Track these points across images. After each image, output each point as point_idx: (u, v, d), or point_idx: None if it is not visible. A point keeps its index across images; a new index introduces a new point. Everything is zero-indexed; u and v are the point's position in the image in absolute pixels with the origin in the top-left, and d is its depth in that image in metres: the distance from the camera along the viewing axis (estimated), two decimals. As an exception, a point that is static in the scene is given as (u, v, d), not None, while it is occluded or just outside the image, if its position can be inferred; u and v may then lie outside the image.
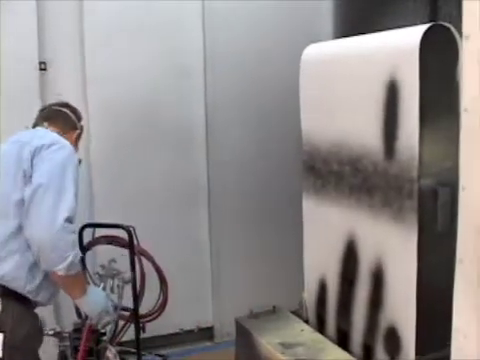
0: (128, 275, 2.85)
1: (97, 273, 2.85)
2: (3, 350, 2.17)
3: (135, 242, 2.96)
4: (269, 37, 3.89)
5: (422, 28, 2.20)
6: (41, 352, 2.43)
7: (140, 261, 2.98)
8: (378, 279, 2.50)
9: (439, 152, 2.27)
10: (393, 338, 2.43)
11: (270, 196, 3.97)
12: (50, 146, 2.33)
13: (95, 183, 3.61)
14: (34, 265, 2.27)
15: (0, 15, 3.24)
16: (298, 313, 3.06)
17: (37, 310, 2.40)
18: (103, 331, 2.71)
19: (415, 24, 2.31)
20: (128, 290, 2.88)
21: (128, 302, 2.92)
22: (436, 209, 2.27)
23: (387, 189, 2.41)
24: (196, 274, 3.92)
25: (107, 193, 3.64)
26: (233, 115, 3.90)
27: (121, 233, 2.97)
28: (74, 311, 2.76)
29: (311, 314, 3.04)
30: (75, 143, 2.61)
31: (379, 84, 2.40)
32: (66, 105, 2.71)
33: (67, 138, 2.52)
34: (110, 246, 3.05)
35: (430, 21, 2.28)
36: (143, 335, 3.05)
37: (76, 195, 2.30)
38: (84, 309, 2.52)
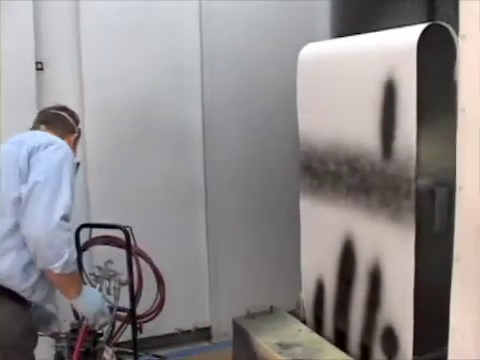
0: (125, 277, 2.84)
1: (93, 274, 2.84)
2: None
3: (132, 242, 2.95)
4: (266, 37, 3.88)
5: (419, 28, 2.20)
6: (37, 353, 2.42)
7: (137, 261, 2.98)
8: (375, 279, 2.50)
9: (436, 152, 2.27)
10: (390, 338, 2.43)
11: (267, 196, 3.97)
12: (47, 146, 2.35)
13: (92, 183, 3.60)
14: (29, 263, 2.27)
15: (-2, 15, 3.24)
16: (295, 313, 3.06)
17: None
18: (100, 332, 2.70)
19: (412, 24, 2.30)
20: (125, 290, 2.87)
21: (125, 302, 2.91)
22: (433, 209, 2.28)
23: (385, 189, 2.41)
24: (193, 274, 3.91)
25: (103, 193, 3.63)
26: (230, 115, 3.90)
27: (118, 233, 2.96)
28: (71, 312, 2.75)
29: (308, 314, 3.04)
30: (73, 146, 2.62)
31: (376, 84, 2.40)
32: (64, 109, 2.72)
33: (65, 141, 2.52)
34: (107, 247, 3.04)
35: (428, 21, 2.28)
36: (140, 336, 3.04)
37: (72, 194, 2.31)
38: (80, 310, 2.51)
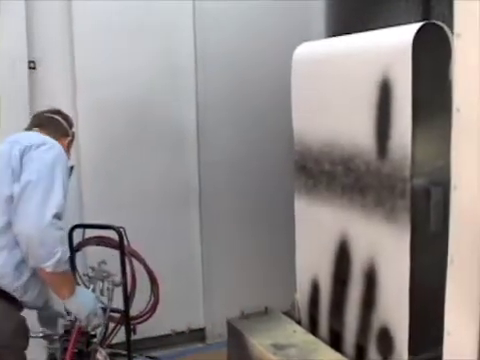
0: (118, 278, 2.83)
1: (87, 275, 2.82)
2: None
3: (125, 243, 2.93)
4: (260, 37, 3.88)
5: (415, 27, 2.20)
6: (30, 354, 2.41)
7: (131, 262, 2.96)
8: (371, 279, 2.50)
9: (432, 151, 2.27)
10: (386, 338, 2.43)
11: (261, 196, 3.96)
12: (40, 146, 2.36)
13: (85, 183, 3.58)
14: (21, 262, 2.28)
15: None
16: (290, 314, 3.06)
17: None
18: (93, 333, 2.69)
19: (408, 23, 2.30)
20: (118, 291, 2.86)
21: (119, 303, 2.89)
22: (429, 209, 2.27)
23: (380, 189, 2.41)
24: (187, 275, 3.90)
25: (97, 194, 3.62)
26: (224, 115, 3.89)
27: (111, 234, 2.95)
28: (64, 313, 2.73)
29: (303, 315, 3.03)
30: (67, 149, 2.63)
31: (371, 83, 2.39)
32: (58, 112, 2.73)
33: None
34: (100, 247, 3.02)
35: (423, 20, 2.27)
36: (134, 337, 3.02)
37: (65, 193, 2.32)
38: (72, 310, 2.50)
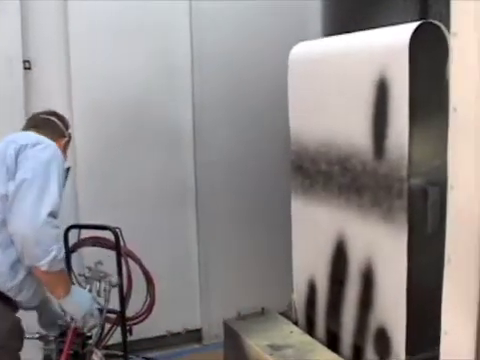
0: (115, 278, 2.82)
1: (83, 275, 2.81)
2: None
3: (122, 243, 2.92)
4: (257, 37, 3.88)
5: (412, 26, 2.19)
6: (24, 355, 2.40)
7: (127, 263, 2.95)
8: (368, 280, 2.49)
9: (429, 151, 2.26)
10: (383, 339, 2.42)
11: (258, 196, 3.95)
12: (35, 145, 2.36)
13: (81, 184, 3.57)
14: (17, 262, 2.27)
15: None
16: (287, 315, 3.04)
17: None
18: (89, 334, 2.67)
19: (405, 23, 2.29)
20: (114, 292, 2.84)
21: (115, 304, 2.88)
22: (426, 209, 2.26)
23: (376, 189, 2.40)
24: (184, 275, 3.89)
25: (93, 194, 3.61)
26: (221, 115, 3.88)
27: (107, 235, 2.93)
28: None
29: (300, 315, 3.02)
30: (64, 150, 2.63)
31: (368, 83, 2.38)
32: (54, 113, 2.73)
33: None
34: (96, 248, 3.01)
35: (420, 20, 2.27)
36: (130, 338, 3.02)
37: (60, 192, 2.31)
38: (68, 310, 2.49)
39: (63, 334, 2.62)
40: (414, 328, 2.29)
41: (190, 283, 3.92)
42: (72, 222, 3.16)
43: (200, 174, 3.87)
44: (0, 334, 2.23)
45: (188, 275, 3.91)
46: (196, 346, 3.95)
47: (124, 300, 2.91)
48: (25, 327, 2.42)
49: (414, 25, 2.19)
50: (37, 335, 2.63)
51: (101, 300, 2.74)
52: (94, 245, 3.02)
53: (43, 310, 2.60)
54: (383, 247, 2.39)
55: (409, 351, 2.30)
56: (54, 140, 2.55)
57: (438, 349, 1.67)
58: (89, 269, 2.80)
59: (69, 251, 2.94)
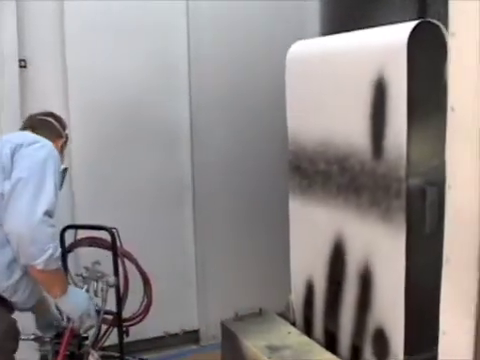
0: (113, 279, 2.80)
1: (81, 275, 2.79)
2: None
3: (118, 244, 2.90)
4: (255, 37, 3.87)
5: (410, 25, 2.18)
6: (21, 355, 2.39)
7: (123, 263, 2.93)
8: (366, 280, 2.48)
9: (427, 151, 2.25)
10: (381, 339, 2.41)
11: (256, 197, 3.94)
12: (31, 144, 2.36)
13: (77, 184, 3.56)
14: (13, 261, 2.26)
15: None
16: (285, 315, 3.04)
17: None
18: (85, 335, 2.66)
19: (403, 22, 2.29)
20: (111, 292, 2.83)
21: (111, 305, 2.86)
22: (424, 208, 2.26)
23: (375, 189, 2.39)
24: (181, 276, 3.88)
25: (89, 194, 3.59)
26: (218, 115, 3.87)
27: (104, 235, 2.92)
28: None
29: (298, 316, 3.01)
30: (61, 151, 2.63)
31: (366, 82, 2.37)
32: (51, 114, 2.73)
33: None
34: (92, 248, 2.99)
35: (418, 19, 2.26)
36: (127, 339, 3.00)
37: (56, 191, 2.31)
38: (65, 310, 2.48)
39: (59, 335, 2.61)
40: (412, 328, 2.28)
41: (187, 284, 3.91)
42: (68, 222, 3.14)
43: (197, 174, 3.86)
44: None
45: (185, 276, 3.90)
46: (193, 347, 3.93)
47: (121, 301, 2.89)
48: (21, 328, 2.41)
49: (412, 24, 2.18)
50: (32, 336, 2.63)
51: (98, 300, 2.73)
52: (90, 245, 3.00)
53: (39, 311, 2.59)
54: (381, 247, 2.38)
55: (407, 351, 2.29)
56: (51, 141, 2.54)
57: (437, 349, 1.66)
58: (86, 269, 2.78)
59: (65, 251, 2.92)
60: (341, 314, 2.65)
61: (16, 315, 2.41)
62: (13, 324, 2.35)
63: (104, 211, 3.48)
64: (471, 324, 1.48)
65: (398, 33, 2.23)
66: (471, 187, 1.49)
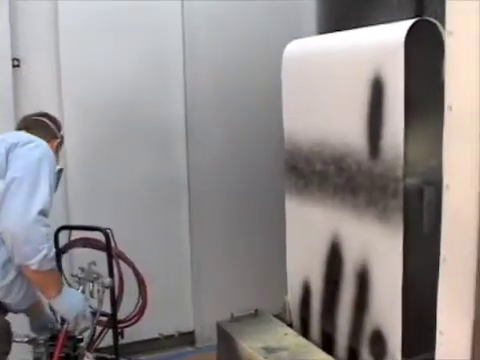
0: (108, 280, 2.79)
1: (76, 276, 2.77)
2: None
3: (113, 245, 2.89)
4: (250, 36, 3.87)
5: (407, 24, 2.17)
6: (15, 357, 2.39)
7: (118, 264, 2.92)
8: (363, 281, 2.47)
9: (424, 151, 2.24)
10: (379, 341, 2.40)
11: (251, 196, 3.94)
12: (26, 144, 2.36)
13: (71, 184, 3.54)
14: (7, 261, 2.25)
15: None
16: (281, 316, 3.02)
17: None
18: (80, 337, 2.64)
19: (400, 21, 2.27)
20: (106, 294, 2.81)
21: (106, 307, 2.85)
22: (422, 209, 2.25)
23: (372, 189, 2.38)
24: (176, 277, 3.87)
25: (83, 195, 3.58)
26: (214, 115, 3.87)
27: (98, 236, 2.90)
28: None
29: (295, 317, 3.00)
30: (56, 152, 2.63)
31: (363, 81, 2.36)
32: (45, 115, 2.73)
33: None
34: (87, 249, 2.97)
35: (415, 17, 2.25)
36: (122, 341, 2.99)
37: (51, 191, 2.31)
38: (60, 311, 2.48)
39: (53, 337, 2.59)
40: (410, 329, 2.27)
41: (183, 285, 3.90)
42: (63, 223, 3.13)
43: (193, 174, 3.85)
44: None
45: (181, 277, 3.88)
46: (189, 349, 3.92)
47: (115, 302, 2.88)
48: (14, 330, 2.39)
49: (409, 23, 2.17)
50: (26, 338, 2.61)
51: (94, 302, 2.71)
52: (85, 246, 2.98)
53: (34, 313, 2.58)
54: (378, 247, 2.37)
55: (405, 353, 2.28)
56: (46, 141, 2.54)
57: (434, 351, 1.65)
58: (82, 270, 2.76)
59: (60, 252, 2.90)
60: (338, 315, 2.64)
61: (10, 317, 2.39)
62: (6, 326, 2.34)
63: (98, 211, 3.47)
64: (468, 324, 1.49)
65: (395, 32, 2.22)
66: (468, 187, 1.49)
